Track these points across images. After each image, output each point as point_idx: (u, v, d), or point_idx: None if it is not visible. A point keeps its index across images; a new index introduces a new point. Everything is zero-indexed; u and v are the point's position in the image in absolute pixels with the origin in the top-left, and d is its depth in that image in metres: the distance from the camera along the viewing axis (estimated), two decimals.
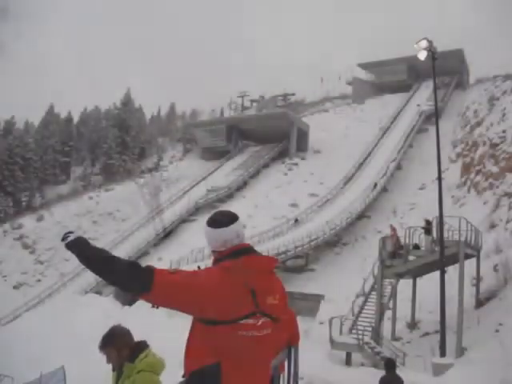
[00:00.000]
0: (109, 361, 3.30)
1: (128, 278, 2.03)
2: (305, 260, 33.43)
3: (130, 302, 23.67)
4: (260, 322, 2.11)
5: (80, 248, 2.14)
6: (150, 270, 2.04)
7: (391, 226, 21.93)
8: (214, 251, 2.33)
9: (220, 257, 2.25)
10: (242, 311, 2.07)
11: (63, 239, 2.18)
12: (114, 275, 2.06)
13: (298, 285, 28.33)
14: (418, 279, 20.54)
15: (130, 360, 3.17)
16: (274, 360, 2.31)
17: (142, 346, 3.27)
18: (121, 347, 3.20)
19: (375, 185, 42.85)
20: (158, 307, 2.18)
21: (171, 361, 3.61)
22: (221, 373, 2.05)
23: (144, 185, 53.08)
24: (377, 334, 17.67)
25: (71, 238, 2.18)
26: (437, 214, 16.53)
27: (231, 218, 2.31)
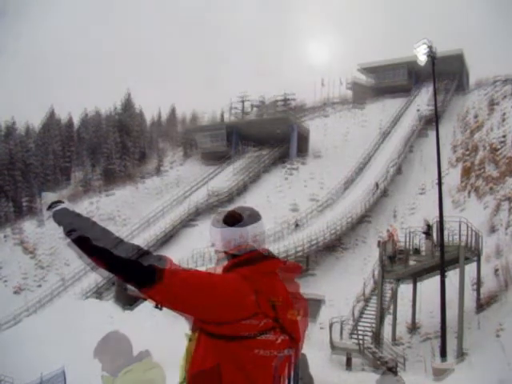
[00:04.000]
0: (103, 369, 3.02)
1: (136, 263, 1.70)
2: (305, 264, 33.40)
3: (131, 306, 23.63)
4: (279, 340, 1.81)
5: (74, 222, 1.82)
6: (162, 257, 1.76)
7: (388, 230, 21.97)
8: (226, 253, 2.04)
9: (236, 262, 1.95)
10: (261, 325, 1.77)
11: (50, 207, 1.91)
12: (119, 258, 1.71)
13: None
14: (418, 283, 20.52)
15: (115, 373, 2.90)
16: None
17: (138, 358, 3.01)
18: (113, 356, 2.96)
19: (376, 184, 42.92)
20: (161, 308, 1.84)
21: (171, 369, 3.58)
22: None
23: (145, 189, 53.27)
24: (377, 338, 17.65)
25: (61, 206, 1.90)
26: (437, 217, 16.54)
27: (250, 217, 2.02)
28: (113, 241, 1.76)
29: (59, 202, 1.94)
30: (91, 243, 1.76)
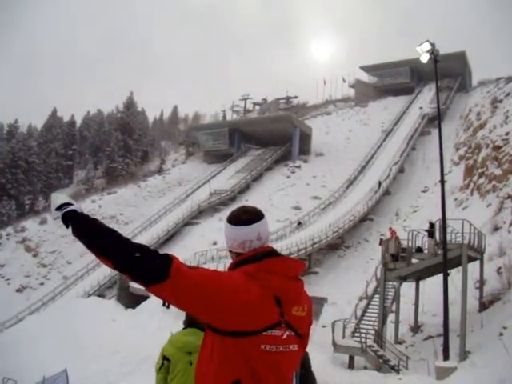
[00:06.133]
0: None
1: (143, 262, 1.71)
2: (308, 263, 33.39)
3: (134, 305, 23.67)
4: (285, 336, 1.83)
5: (82, 221, 1.87)
6: (168, 256, 1.76)
7: (390, 228, 21.93)
8: (231, 252, 2.07)
9: (240, 260, 1.97)
10: (266, 321, 1.79)
11: (59, 208, 1.92)
12: (127, 257, 1.73)
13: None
14: (421, 282, 20.49)
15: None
16: None
17: None
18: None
19: (379, 183, 42.94)
20: (169, 306, 1.95)
21: None
22: None
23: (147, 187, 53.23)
24: (380, 337, 17.61)
25: (70, 208, 1.91)
26: (440, 216, 16.51)
27: (254, 216, 2.03)
28: (120, 240, 1.78)
29: (68, 203, 1.95)
30: (99, 243, 1.80)
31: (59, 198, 2.00)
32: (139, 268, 1.72)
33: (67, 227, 1.89)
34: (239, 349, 1.77)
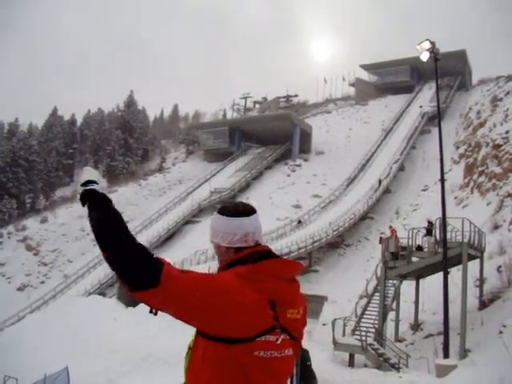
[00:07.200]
0: None
1: (136, 264, 1.60)
2: (308, 261, 33.43)
3: (134, 303, 23.66)
4: (280, 340, 1.74)
5: (96, 204, 1.79)
6: (159, 260, 1.64)
7: (390, 226, 21.95)
8: (228, 249, 1.93)
9: (234, 260, 1.87)
10: (261, 326, 1.70)
11: (84, 184, 1.83)
12: (122, 254, 1.62)
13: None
14: (421, 280, 20.51)
15: None
16: None
17: None
18: None
19: (379, 181, 42.99)
20: (156, 313, 1.74)
21: (174, 367, 3.63)
22: None
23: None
24: (380, 336, 17.63)
25: (90, 187, 1.83)
26: (440, 215, 16.51)
27: (251, 209, 1.96)
28: (122, 234, 1.67)
29: (92, 181, 1.86)
30: (102, 230, 1.69)
31: (89, 172, 1.91)
32: (129, 269, 1.61)
33: (83, 205, 1.80)
34: (232, 355, 1.68)
